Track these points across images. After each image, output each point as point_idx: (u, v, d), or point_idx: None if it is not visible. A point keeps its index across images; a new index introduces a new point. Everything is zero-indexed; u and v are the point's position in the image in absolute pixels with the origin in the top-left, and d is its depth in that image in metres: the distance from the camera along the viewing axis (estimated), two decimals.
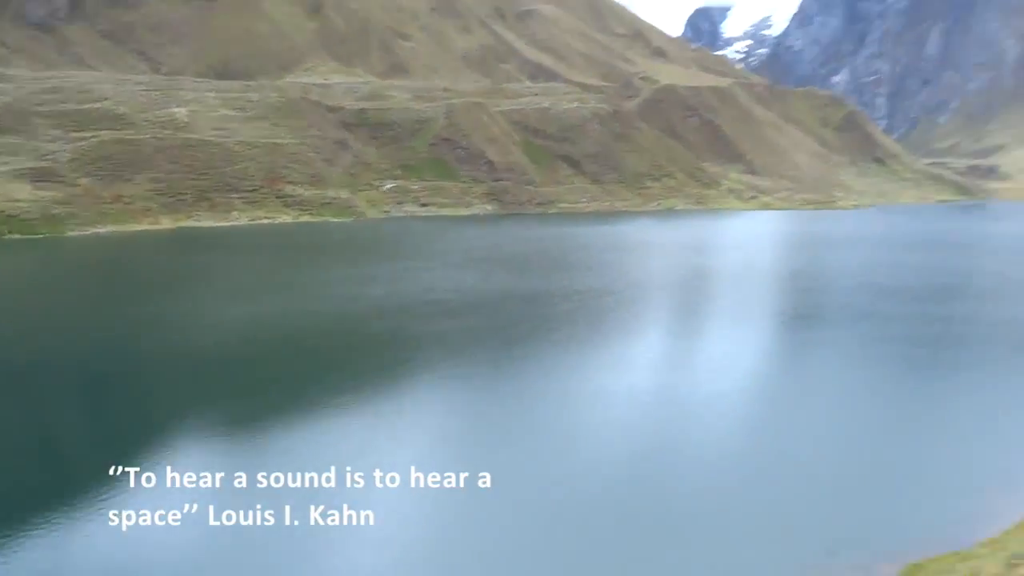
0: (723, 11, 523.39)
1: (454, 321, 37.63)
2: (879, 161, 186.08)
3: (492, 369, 29.65)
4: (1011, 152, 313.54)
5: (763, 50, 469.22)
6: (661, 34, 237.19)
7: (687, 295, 49.68)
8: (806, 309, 44.32)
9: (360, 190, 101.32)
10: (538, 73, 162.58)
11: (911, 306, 43.56)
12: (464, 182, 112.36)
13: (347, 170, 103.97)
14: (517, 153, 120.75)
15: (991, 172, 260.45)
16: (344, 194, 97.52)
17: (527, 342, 33.95)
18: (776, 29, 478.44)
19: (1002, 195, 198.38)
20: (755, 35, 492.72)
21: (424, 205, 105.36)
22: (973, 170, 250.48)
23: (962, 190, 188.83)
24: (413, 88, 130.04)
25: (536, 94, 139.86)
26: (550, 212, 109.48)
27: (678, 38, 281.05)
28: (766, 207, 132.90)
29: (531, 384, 27.55)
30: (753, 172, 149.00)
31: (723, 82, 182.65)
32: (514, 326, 37.39)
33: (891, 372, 30.58)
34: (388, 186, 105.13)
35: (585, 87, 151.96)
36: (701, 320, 42.18)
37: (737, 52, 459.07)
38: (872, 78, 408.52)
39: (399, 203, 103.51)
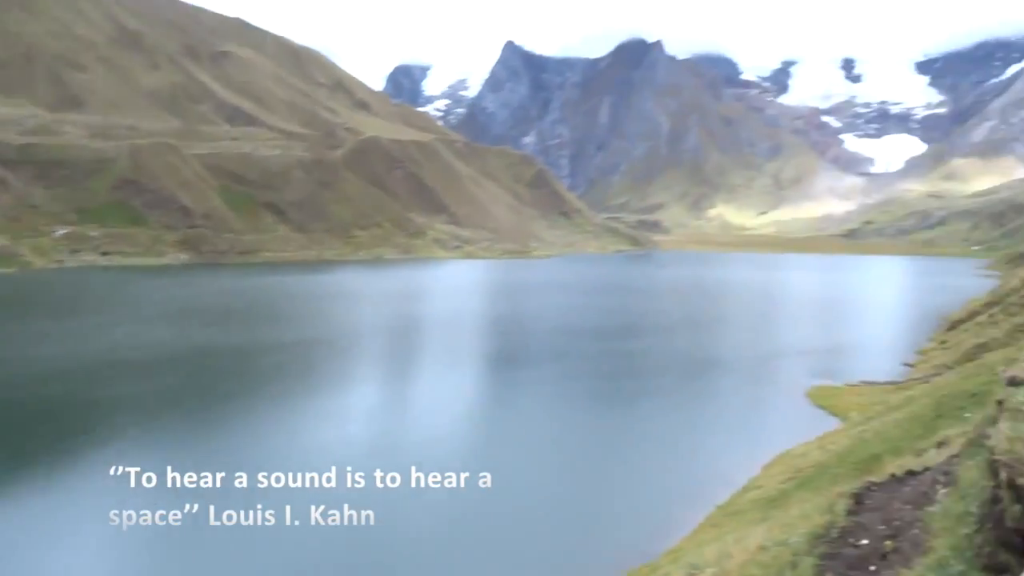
0: (423, 70, 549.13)
1: (146, 381, 33.96)
2: (565, 215, 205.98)
3: (189, 431, 27.10)
4: (669, 209, 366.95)
5: (461, 109, 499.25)
6: (363, 87, 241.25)
7: (400, 342, 50.09)
8: (510, 351, 46.99)
9: (25, 236, 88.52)
10: (236, 117, 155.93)
11: (599, 344, 48.31)
12: (154, 229, 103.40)
13: (6, 213, 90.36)
14: (215, 199, 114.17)
15: (655, 226, 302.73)
16: (3, 241, 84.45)
17: (232, 399, 31.64)
18: (472, 91, 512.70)
19: (664, 246, 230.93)
20: (453, 95, 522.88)
21: (106, 254, 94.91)
22: (641, 224, 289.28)
23: (634, 241, 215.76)
24: (90, 124, 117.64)
25: (235, 138, 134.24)
26: (253, 262, 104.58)
27: (380, 92, 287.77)
28: (469, 256, 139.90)
29: (236, 447, 25.60)
30: (456, 223, 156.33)
31: (425, 137, 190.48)
32: (216, 384, 34.73)
33: (587, 405, 33.48)
34: (60, 232, 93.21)
35: (287, 134, 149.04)
36: (415, 366, 42.69)
37: (437, 110, 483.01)
38: (556, 141, 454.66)
39: (74, 251, 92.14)
